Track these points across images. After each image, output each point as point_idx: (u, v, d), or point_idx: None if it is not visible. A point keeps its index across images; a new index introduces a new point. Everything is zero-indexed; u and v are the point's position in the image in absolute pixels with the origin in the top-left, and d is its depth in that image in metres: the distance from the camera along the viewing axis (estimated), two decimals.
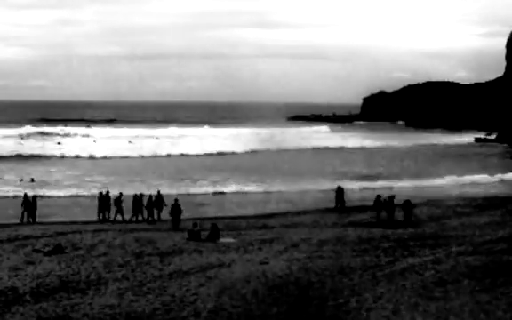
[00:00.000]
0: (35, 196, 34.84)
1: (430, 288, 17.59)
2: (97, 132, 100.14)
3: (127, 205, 34.13)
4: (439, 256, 21.41)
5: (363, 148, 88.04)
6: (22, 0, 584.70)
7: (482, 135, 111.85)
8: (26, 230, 30.03)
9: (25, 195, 34.51)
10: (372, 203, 34.37)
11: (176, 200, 32.08)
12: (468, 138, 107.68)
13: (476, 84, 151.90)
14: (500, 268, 18.78)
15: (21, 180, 48.81)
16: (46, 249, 24.47)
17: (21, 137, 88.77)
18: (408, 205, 32.21)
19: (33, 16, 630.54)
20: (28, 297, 18.27)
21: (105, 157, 69.77)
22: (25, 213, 33.42)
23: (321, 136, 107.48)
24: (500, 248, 21.99)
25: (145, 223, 32.95)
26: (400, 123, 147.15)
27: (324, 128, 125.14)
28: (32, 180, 49.13)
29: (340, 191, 37.77)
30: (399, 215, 32.45)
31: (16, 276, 20.56)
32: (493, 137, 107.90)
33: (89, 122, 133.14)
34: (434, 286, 17.70)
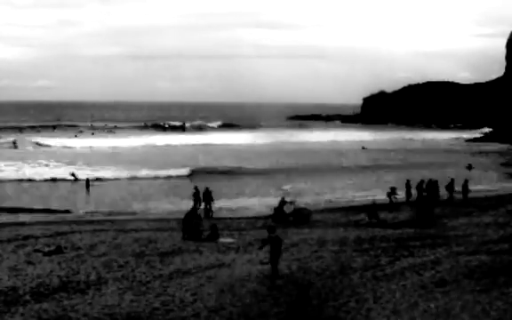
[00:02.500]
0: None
1: (430, 288, 17.57)
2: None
3: None
4: (439, 256, 21.39)
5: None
6: (23, 0, 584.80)
7: (481, 135, 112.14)
8: (26, 230, 30.05)
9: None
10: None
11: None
12: (466, 136, 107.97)
13: (476, 84, 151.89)
14: (500, 268, 18.76)
15: None
16: (46, 249, 24.45)
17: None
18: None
19: (34, 16, 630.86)
20: (28, 297, 18.26)
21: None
22: None
23: None
24: (499, 248, 21.97)
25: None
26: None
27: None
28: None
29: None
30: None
31: (16, 276, 20.54)
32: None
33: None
34: (434, 286, 17.68)
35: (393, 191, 37.57)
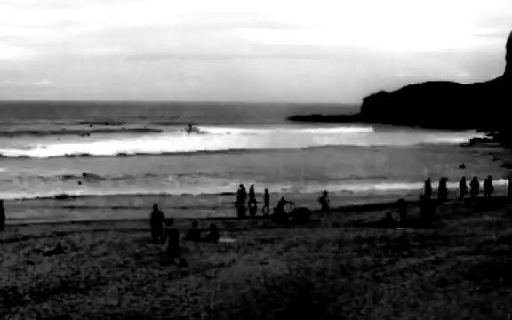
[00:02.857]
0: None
1: (430, 288, 17.56)
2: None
3: None
4: (439, 256, 21.38)
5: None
6: (23, 0, 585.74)
7: (481, 135, 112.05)
8: (26, 230, 30.05)
9: None
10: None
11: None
12: (464, 138, 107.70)
13: (476, 84, 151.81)
14: (500, 268, 18.75)
15: None
16: (46, 249, 24.46)
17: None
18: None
19: (34, 16, 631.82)
20: (27, 297, 18.27)
21: None
22: None
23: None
24: (499, 248, 21.96)
25: None
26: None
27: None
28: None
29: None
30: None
31: (16, 276, 20.55)
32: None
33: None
34: (434, 286, 17.67)
35: (325, 195, 36.97)
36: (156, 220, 26.43)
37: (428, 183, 40.24)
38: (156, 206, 27.46)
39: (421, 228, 29.09)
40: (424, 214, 31.87)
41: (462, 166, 63.54)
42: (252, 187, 39.93)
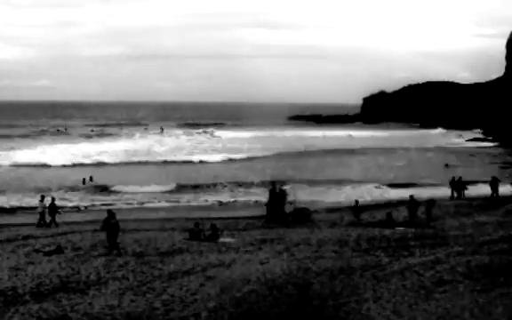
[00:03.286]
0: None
1: (430, 288, 17.56)
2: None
3: None
4: (439, 256, 21.38)
5: None
6: (23, 0, 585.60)
7: (481, 135, 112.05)
8: (26, 230, 30.07)
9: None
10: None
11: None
12: (464, 138, 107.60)
13: (476, 84, 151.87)
14: (500, 268, 18.74)
15: None
16: (46, 249, 24.46)
17: None
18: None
19: (34, 16, 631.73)
20: (28, 297, 18.26)
21: None
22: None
23: None
24: (499, 248, 21.95)
25: None
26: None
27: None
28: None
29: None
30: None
31: (16, 275, 20.54)
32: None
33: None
34: (434, 286, 17.67)
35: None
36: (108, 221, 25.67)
37: (453, 182, 42.59)
38: (109, 211, 27.08)
39: (417, 228, 29.16)
40: (412, 215, 32.07)
41: (446, 165, 64.84)
42: (280, 188, 39.45)
